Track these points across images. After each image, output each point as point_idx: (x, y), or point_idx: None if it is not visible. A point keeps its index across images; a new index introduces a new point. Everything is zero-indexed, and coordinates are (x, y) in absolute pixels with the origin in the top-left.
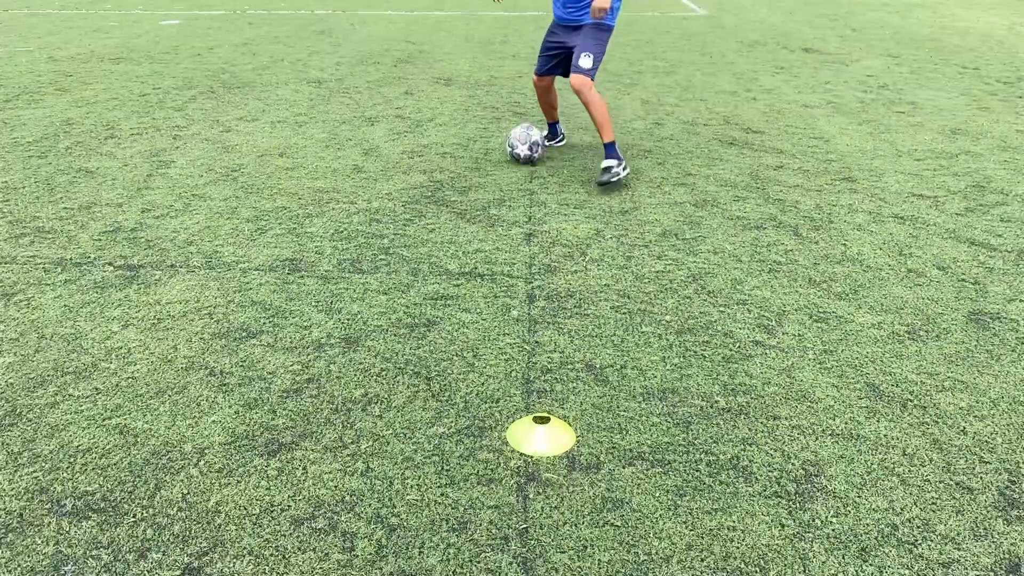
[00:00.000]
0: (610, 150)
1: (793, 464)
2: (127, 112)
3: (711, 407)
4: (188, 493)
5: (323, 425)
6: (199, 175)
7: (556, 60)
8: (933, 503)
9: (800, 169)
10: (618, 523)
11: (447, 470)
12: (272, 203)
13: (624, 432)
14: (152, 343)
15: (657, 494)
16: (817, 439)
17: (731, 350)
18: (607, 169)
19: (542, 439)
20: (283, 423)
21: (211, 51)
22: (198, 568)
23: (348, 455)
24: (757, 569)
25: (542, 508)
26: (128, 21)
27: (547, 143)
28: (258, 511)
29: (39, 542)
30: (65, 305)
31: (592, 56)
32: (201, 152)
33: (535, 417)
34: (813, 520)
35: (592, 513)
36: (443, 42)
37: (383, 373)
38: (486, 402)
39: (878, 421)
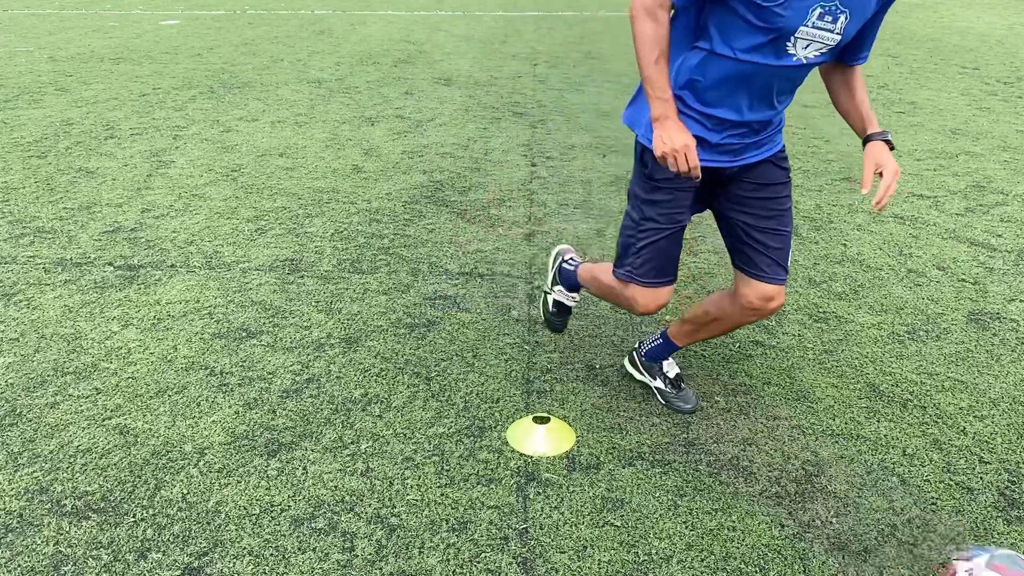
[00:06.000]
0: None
1: (793, 464)
2: (127, 112)
3: (711, 407)
4: (188, 493)
5: (323, 425)
6: (199, 175)
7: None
8: (933, 503)
9: (800, 169)
10: (618, 523)
11: (447, 470)
12: (272, 203)
13: (624, 432)
14: (152, 343)
15: (657, 494)
16: (817, 439)
17: (731, 350)
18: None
19: (542, 439)
20: (283, 423)
21: (211, 51)
22: (198, 568)
23: (348, 455)
24: (757, 569)
25: (542, 508)
26: (128, 21)
27: None
28: (258, 511)
29: (39, 542)
30: (65, 305)
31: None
32: (201, 152)
33: (535, 417)
34: (813, 520)
35: (592, 513)
36: (443, 42)
37: (383, 373)
38: (486, 402)
39: (878, 421)
